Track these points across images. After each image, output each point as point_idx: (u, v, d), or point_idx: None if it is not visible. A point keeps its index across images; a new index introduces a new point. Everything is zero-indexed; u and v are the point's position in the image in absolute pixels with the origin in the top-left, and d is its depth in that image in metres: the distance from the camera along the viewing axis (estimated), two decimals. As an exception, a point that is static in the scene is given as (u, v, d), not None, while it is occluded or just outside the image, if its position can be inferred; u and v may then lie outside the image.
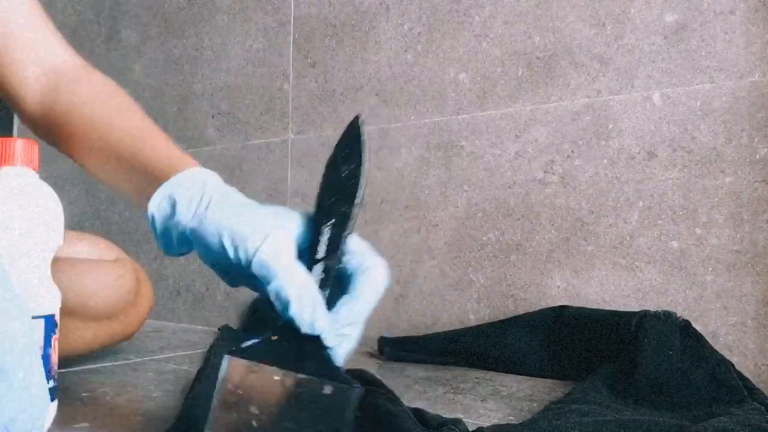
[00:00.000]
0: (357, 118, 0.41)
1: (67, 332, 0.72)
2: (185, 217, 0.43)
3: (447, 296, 1.02)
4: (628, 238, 0.88)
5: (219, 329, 1.13)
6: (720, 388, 0.65)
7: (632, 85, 0.89)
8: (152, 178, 0.47)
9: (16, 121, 1.80)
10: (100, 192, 1.54)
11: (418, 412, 0.54)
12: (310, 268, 0.38)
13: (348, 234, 0.39)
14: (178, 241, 0.44)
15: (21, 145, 0.48)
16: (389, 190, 1.09)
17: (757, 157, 0.81)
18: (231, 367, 0.36)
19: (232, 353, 0.37)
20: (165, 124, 1.41)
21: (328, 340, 0.37)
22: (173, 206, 0.44)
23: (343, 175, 0.39)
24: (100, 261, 0.80)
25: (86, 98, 0.59)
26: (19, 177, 0.48)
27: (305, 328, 0.37)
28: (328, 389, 0.34)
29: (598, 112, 0.91)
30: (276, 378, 0.35)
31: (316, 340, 0.37)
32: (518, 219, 0.97)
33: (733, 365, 0.69)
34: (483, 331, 0.92)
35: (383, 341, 0.97)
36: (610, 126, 0.90)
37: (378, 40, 1.12)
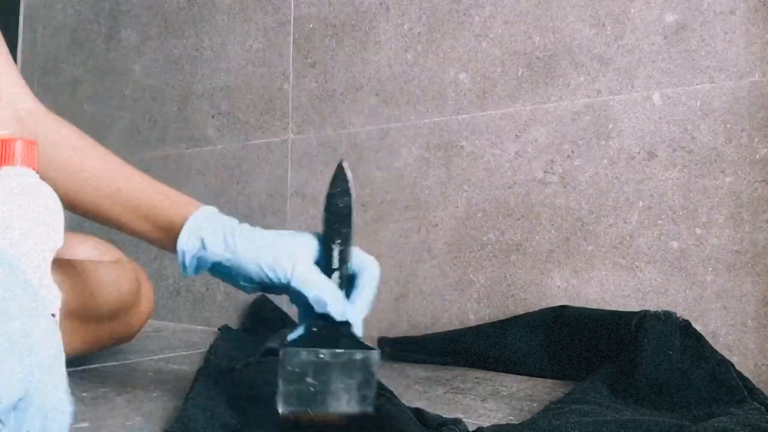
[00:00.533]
0: (342, 162, 0.55)
1: (67, 333, 0.72)
2: (218, 250, 0.54)
3: (447, 296, 1.02)
4: (628, 238, 0.88)
5: (219, 329, 1.14)
6: (720, 388, 0.65)
7: (632, 85, 0.89)
8: (157, 216, 0.59)
9: (16, 121, 1.79)
10: (100, 192, 1.54)
11: (418, 412, 0.54)
12: (329, 275, 0.53)
13: (350, 250, 0.54)
14: (209, 268, 0.56)
15: (21, 145, 0.48)
16: (389, 190, 1.09)
17: (757, 157, 0.81)
18: (287, 354, 0.50)
19: (285, 346, 0.50)
20: (165, 124, 1.42)
21: (354, 324, 0.52)
22: (202, 242, 0.55)
23: (340, 206, 0.54)
24: (101, 262, 0.80)
25: (62, 140, 0.65)
26: (19, 177, 0.48)
27: (339, 318, 0.52)
28: (359, 356, 0.50)
29: (598, 112, 0.91)
30: (321, 355, 0.49)
31: (344, 324, 0.52)
32: (518, 219, 0.97)
33: (733, 365, 0.69)
34: (483, 331, 0.92)
35: (383, 341, 0.97)
36: (610, 126, 0.90)
37: (378, 40, 1.12)
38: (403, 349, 0.95)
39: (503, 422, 0.60)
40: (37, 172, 0.50)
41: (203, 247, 0.55)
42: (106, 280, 0.77)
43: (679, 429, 0.50)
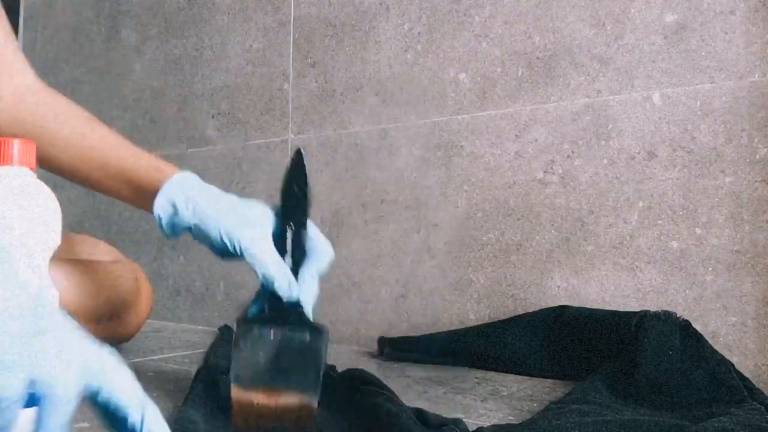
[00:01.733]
0: (299, 151, 0.57)
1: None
2: (187, 216, 0.57)
3: (447, 296, 1.02)
4: (628, 238, 0.88)
5: (219, 329, 1.13)
6: (720, 388, 0.65)
7: (632, 85, 0.89)
8: (140, 183, 0.62)
9: (16, 121, 1.79)
10: (100, 192, 1.54)
11: (418, 412, 0.54)
12: (282, 254, 0.54)
13: (305, 233, 0.55)
14: (182, 231, 0.58)
15: (18, 145, 0.48)
16: (389, 190, 1.09)
17: (757, 157, 0.81)
18: (242, 329, 0.50)
19: (242, 320, 0.51)
20: (165, 124, 1.41)
21: (304, 304, 0.53)
22: (174, 207, 0.57)
23: (296, 190, 0.56)
24: (100, 262, 0.81)
25: (59, 114, 0.69)
26: (18, 177, 0.48)
27: (285, 298, 0.52)
28: (307, 336, 0.50)
29: (598, 112, 0.91)
30: (270, 335, 0.50)
31: (293, 305, 0.52)
32: (518, 219, 0.97)
33: (733, 365, 0.69)
34: (483, 331, 0.92)
35: (383, 341, 0.97)
36: (610, 126, 0.90)
37: (378, 40, 1.12)
38: (403, 349, 0.95)
39: (503, 422, 0.60)
40: (35, 172, 0.50)
41: (175, 212, 0.57)
42: (104, 280, 0.77)
43: (679, 429, 0.50)
